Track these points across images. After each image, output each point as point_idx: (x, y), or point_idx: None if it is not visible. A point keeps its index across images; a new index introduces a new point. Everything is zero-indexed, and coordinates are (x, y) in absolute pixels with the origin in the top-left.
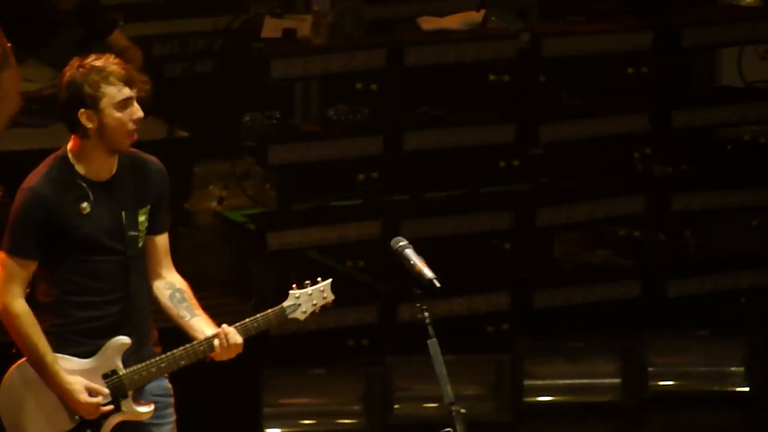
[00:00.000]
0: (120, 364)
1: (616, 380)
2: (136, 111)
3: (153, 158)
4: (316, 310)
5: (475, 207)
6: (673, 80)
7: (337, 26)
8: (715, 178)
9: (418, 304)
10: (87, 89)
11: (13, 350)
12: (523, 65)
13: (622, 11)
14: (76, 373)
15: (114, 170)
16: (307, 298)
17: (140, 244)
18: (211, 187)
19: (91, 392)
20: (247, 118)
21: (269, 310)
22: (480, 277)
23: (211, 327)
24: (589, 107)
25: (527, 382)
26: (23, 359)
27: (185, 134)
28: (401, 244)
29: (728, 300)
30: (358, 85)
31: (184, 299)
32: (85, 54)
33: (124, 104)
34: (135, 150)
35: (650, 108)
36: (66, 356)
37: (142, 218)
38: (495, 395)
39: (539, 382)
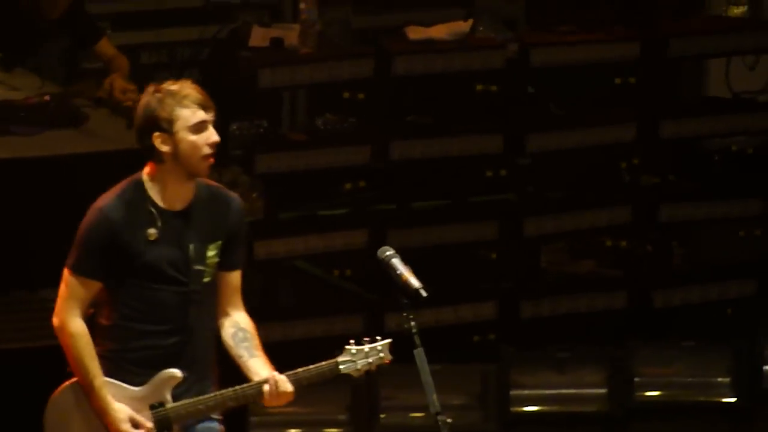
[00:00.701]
0: (168, 397)
1: (603, 390)
2: (212, 135)
3: (234, 194)
4: (372, 369)
5: (462, 217)
6: (661, 91)
7: (324, 36)
8: (703, 189)
9: (404, 314)
10: (161, 112)
11: (68, 369)
12: (511, 75)
13: (610, 22)
14: (124, 401)
15: (189, 201)
16: (364, 355)
17: (206, 279)
18: None
19: (135, 423)
20: (234, 127)
21: (323, 363)
22: (467, 286)
23: (267, 370)
24: (576, 117)
25: (513, 392)
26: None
27: None
28: (388, 253)
29: (715, 310)
30: (346, 95)
31: (246, 339)
32: (71, 62)
33: (198, 127)
34: (217, 184)
35: (638, 118)
36: (116, 382)
37: (211, 253)
38: (481, 405)
39: (525, 392)
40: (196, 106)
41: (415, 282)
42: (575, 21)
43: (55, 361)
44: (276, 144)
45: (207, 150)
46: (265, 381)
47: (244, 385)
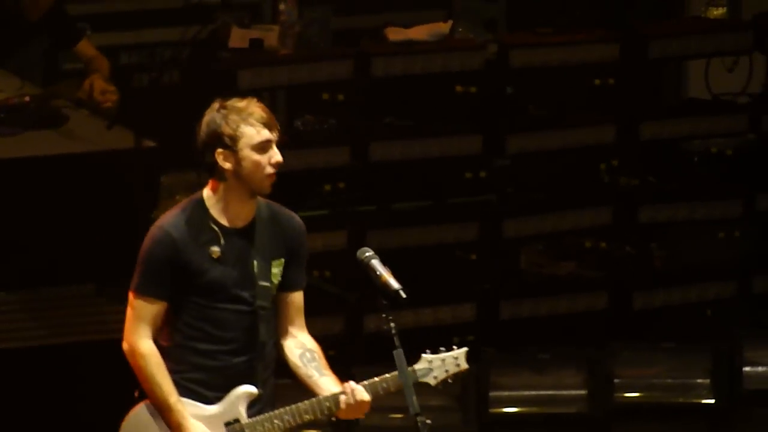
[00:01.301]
0: (244, 413)
1: (582, 392)
2: (275, 155)
3: (293, 214)
4: (449, 378)
5: (442, 218)
6: (641, 92)
7: (304, 37)
8: (682, 190)
9: (384, 315)
10: (225, 129)
11: (136, 393)
12: (491, 76)
13: (590, 23)
14: (198, 419)
15: (250, 219)
16: (440, 364)
17: (273, 295)
18: (177, 197)
19: None
20: None
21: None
22: (446, 288)
23: (339, 387)
24: (556, 118)
25: (493, 393)
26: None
27: (152, 144)
28: (367, 254)
29: (694, 312)
30: (325, 96)
31: (314, 359)
32: (52, 63)
33: (262, 146)
34: (276, 203)
35: (617, 120)
36: (189, 401)
37: (275, 270)
38: (461, 406)
39: (505, 393)
40: (260, 124)
41: (394, 283)
42: (555, 22)
43: (37, 362)
44: None
45: (270, 169)
46: (342, 392)
47: (320, 396)
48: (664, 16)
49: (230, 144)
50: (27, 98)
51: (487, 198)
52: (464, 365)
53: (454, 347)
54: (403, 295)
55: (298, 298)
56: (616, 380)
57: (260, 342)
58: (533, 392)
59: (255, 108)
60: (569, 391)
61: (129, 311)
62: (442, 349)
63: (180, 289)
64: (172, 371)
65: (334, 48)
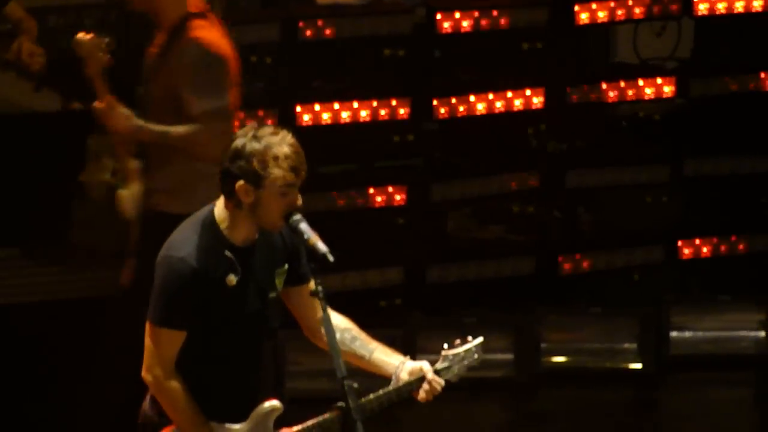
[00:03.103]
0: (272, 430)
1: (509, 356)
2: (296, 199)
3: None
4: (466, 371)
5: (369, 182)
6: (569, 56)
7: (233, 0)
8: (610, 155)
9: (311, 279)
10: (255, 165)
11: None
12: (419, 40)
13: None
14: None
15: (256, 235)
16: (460, 359)
17: (277, 303)
18: (104, 159)
19: None
20: (142, 90)
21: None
22: (373, 251)
23: (394, 355)
24: (484, 83)
25: (419, 357)
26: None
27: (80, 106)
28: (295, 217)
29: (621, 277)
30: (253, 59)
31: (355, 338)
32: None
33: (285, 191)
34: None
35: (545, 84)
36: (217, 425)
37: (278, 279)
38: None
39: (431, 357)
40: (289, 168)
41: (322, 246)
42: None
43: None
44: None
45: (286, 211)
46: (416, 380)
47: (382, 393)
48: None
49: (255, 181)
50: None
51: (414, 162)
52: (480, 355)
53: (469, 338)
54: (331, 258)
55: (312, 285)
56: (542, 345)
57: (264, 359)
58: None
59: (288, 148)
60: (496, 355)
61: (149, 343)
62: (457, 342)
63: (196, 319)
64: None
65: (262, 11)
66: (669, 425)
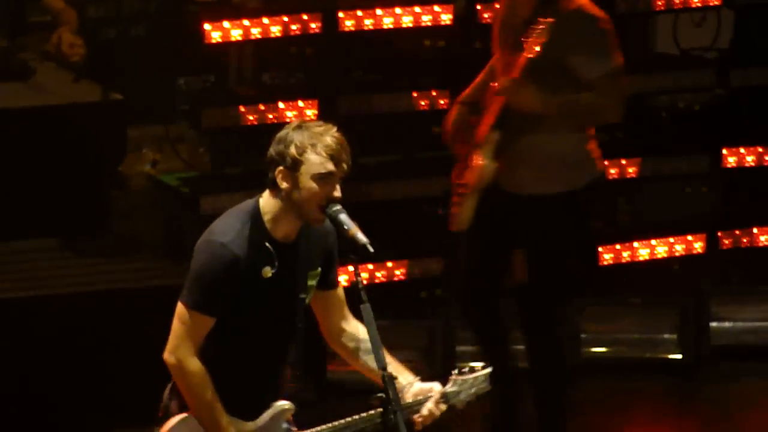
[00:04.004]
0: (282, 430)
1: None
2: (334, 190)
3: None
4: (473, 399)
5: (410, 172)
6: None
7: None
8: (650, 145)
9: (351, 269)
10: (292, 150)
11: (159, 413)
12: (459, 31)
13: None
14: None
15: (297, 234)
16: (469, 386)
17: (306, 305)
18: (144, 150)
19: None
20: (182, 82)
21: (428, 395)
22: (413, 242)
23: (405, 373)
24: None
25: (459, 348)
26: (186, 414)
27: (119, 97)
28: (335, 208)
29: (661, 268)
30: (293, 50)
31: (370, 351)
32: (19, 15)
33: (322, 177)
34: None
35: None
36: (232, 418)
37: (311, 282)
38: (427, 360)
39: (471, 348)
40: (327, 156)
41: (362, 237)
42: None
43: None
44: (223, 99)
45: (324, 202)
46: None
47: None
48: None
49: (292, 166)
50: None
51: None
52: (488, 387)
53: (477, 366)
54: (371, 249)
55: (339, 292)
56: (582, 335)
57: (290, 353)
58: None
59: (328, 138)
60: None
61: (177, 325)
62: (465, 369)
63: (225, 307)
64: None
65: (303, 2)
66: (709, 416)
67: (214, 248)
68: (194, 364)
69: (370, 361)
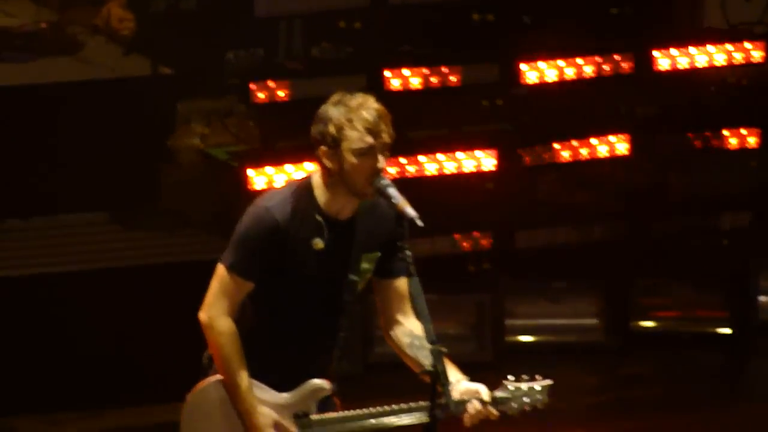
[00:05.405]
0: (314, 408)
1: (596, 321)
2: (377, 161)
3: (392, 205)
4: (526, 408)
5: (459, 146)
6: (656, 21)
7: None
8: (698, 120)
9: (399, 243)
10: (330, 128)
11: (204, 359)
12: (508, 5)
13: None
14: (268, 405)
15: (354, 210)
16: (522, 395)
17: (359, 289)
18: (193, 124)
19: (280, 429)
20: (231, 56)
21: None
22: (462, 216)
23: (453, 370)
24: (572, 48)
25: (508, 322)
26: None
27: (169, 71)
28: (383, 182)
29: (710, 242)
30: (342, 24)
31: (423, 347)
32: None
33: (363, 152)
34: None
35: (634, 49)
36: (262, 385)
37: (366, 264)
38: (476, 335)
39: (520, 322)
40: (365, 130)
41: (410, 211)
42: None
43: (49, 288)
44: (272, 73)
45: (371, 174)
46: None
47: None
48: None
49: (332, 144)
50: (43, 24)
51: (503, 126)
52: (546, 400)
53: (538, 377)
54: (420, 223)
55: (401, 284)
56: (634, 308)
57: (339, 335)
58: (548, 321)
59: (366, 112)
60: (585, 319)
61: (215, 284)
62: (524, 377)
63: (273, 274)
64: (250, 352)
65: None
66: (758, 389)
67: (257, 211)
68: (225, 324)
69: (421, 357)
